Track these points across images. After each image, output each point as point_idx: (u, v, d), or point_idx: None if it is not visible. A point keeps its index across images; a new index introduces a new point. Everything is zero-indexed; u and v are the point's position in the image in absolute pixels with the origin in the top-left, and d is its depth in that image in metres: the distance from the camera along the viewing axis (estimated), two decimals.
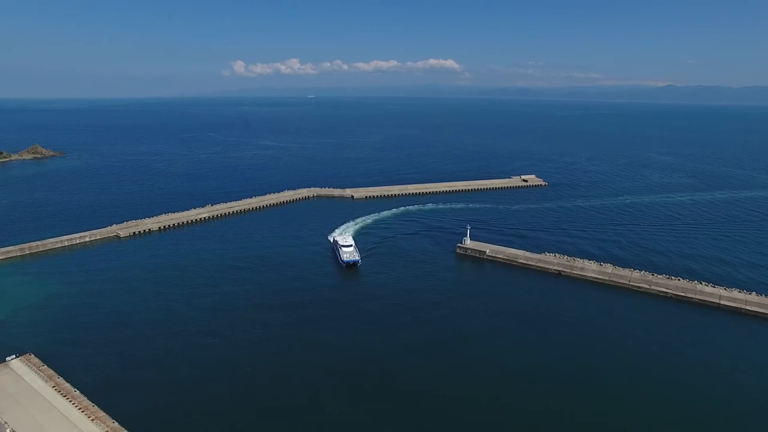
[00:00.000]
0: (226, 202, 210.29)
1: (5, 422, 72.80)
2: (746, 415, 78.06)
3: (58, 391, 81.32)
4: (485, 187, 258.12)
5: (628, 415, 77.03)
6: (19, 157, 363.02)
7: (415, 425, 74.96)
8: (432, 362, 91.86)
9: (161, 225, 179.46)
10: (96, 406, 77.44)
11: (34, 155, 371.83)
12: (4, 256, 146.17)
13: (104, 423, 73.73)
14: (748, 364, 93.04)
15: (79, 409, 76.99)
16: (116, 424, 73.59)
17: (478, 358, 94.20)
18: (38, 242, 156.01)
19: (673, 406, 79.87)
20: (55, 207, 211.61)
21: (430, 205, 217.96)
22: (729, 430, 74.72)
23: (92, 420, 74.39)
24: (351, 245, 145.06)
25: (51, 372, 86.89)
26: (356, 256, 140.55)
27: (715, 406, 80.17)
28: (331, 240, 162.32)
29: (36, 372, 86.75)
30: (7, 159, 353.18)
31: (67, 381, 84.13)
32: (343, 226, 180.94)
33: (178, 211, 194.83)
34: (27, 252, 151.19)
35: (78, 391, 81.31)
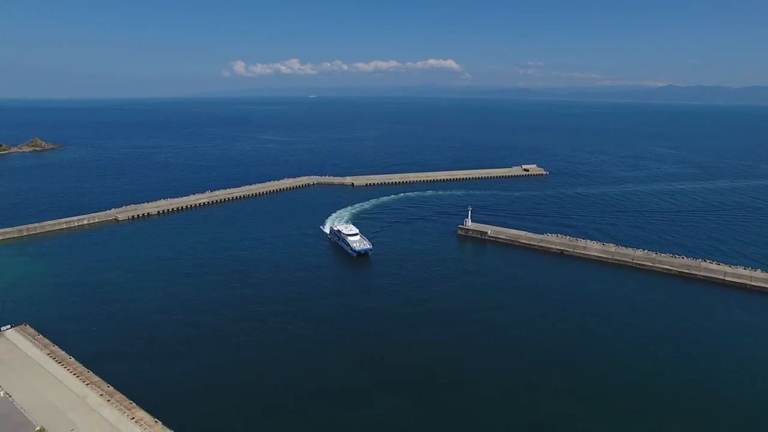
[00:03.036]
0: (225, 189, 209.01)
1: None
2: (756, 388, 76.60)
3: (53, 358, 79.95)
4: (486, 176, 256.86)
5: (635, 389, 75.34)
6: (19, 150, 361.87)
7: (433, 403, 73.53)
8: (452, 354, 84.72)
9: (160, 209, 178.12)
10: (91, 372, 76.15)
11: (34, 148, 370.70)
12: (1, 237, 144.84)
13: (99, 387, 72.41)
14: (754, 336, 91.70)
15: (74, 374, 75.64)
16: (111, 387, 72.26)
17: (494, 344, 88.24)
18: (36, 224, 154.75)
19: (681, 378, 78.47)
20: (54, 194, 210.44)
21: (430, 192, 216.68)
22: (737, 402, 73.11)
23: (87, 384, 73.04)
24: (357, 233, 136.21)
25: (46, 341, 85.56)
26: (367, 244, 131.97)
27: (723, 379, 78.57)
28: (328, 230, 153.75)
29: (31, 341, 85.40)
30: (6, 151, 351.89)
31: (62, 349, 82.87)
32: (339, 212, 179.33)
33: (178, 197, 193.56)
34: (24, 234, 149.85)
35: (73, 358, 80.00)
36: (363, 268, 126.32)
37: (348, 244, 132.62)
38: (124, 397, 70.12)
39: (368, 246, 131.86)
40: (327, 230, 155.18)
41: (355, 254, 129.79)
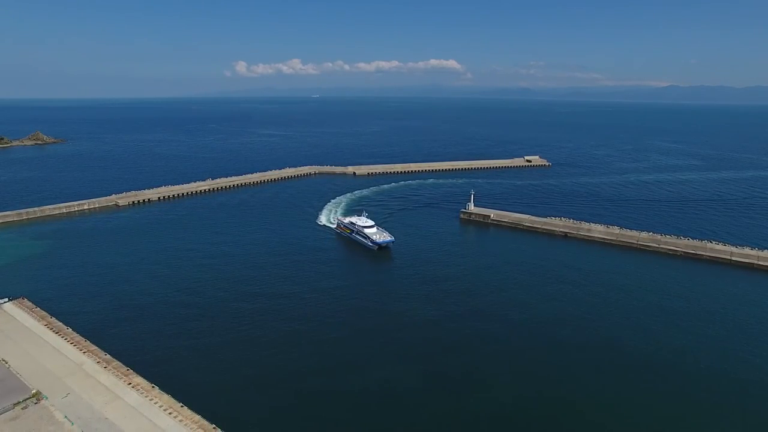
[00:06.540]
0: (227, 177, 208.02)
1: None
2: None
3: (50, 329, 78.91)
4: (488, 166, 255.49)
5: (641, 368, 73.78)
6: (20, 143, 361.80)
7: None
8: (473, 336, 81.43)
9: (161, 195, 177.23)
10: (88, 341, 75.07)
11: (35, 141, 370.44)
12: (1, 221, 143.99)
13: (96, 355, 71.31)
14: (760, 312, 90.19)
15: (71, 343, 74.59)
16: (108, 356, 71.18)
17: (501, 328, 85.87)
18: (36, 208, 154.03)
19: (694, 356, 77.09)
20: (55, 182, 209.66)
21: (431, 181, 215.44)
22: (744, 381, 71.63)
23: (84, 352, 71.96)
24: (373, 224, 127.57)
25: (43, 313, 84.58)
26: (387, 236, 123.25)
27: (731, 357, 77.06)
28: (325, 220, 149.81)
29: (29, 313, 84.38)
30: (7, 145, 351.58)
31: (59, 321, 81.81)
32: (339, 198, 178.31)
33: (179, 184, 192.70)
34: (24, 217, 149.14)
35: (70, 329, 78.96)
36: (382, 261, 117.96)
37: (366, 237, 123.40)
38: (120, 364, 69.04)
39: (389, 238, 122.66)
40: (323, 220, 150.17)
41: (375, 247, 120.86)
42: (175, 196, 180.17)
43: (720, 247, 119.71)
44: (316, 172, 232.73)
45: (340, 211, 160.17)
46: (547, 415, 61.04)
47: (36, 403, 59.98)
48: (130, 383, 64.76)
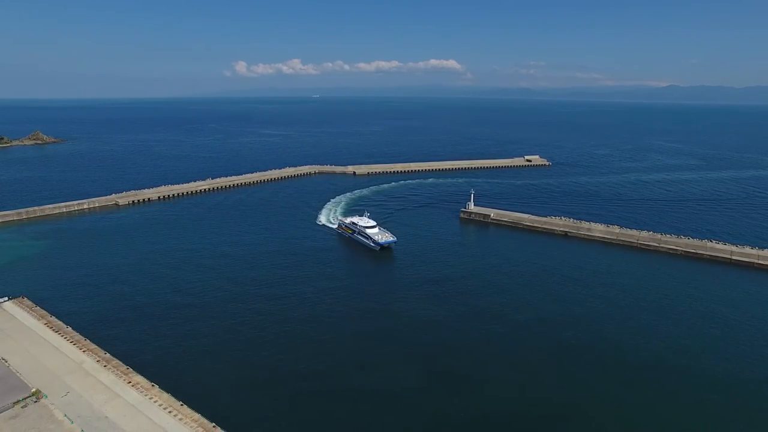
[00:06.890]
0: (227, 176, 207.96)
1: None
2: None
3: (50, 327, 78.97)
4: (487, 165, 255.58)
5: (643, 367, 73.73)
6: (20, 143, 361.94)
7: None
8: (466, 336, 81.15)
9: (161, 195, 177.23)
10: (88, 340, 75.06)
11: (35, 141, 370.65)
12: (1, 220, 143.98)
13: (95, 354, 71.33)
14: (761, 311, 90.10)
15: (71, 342, 74.63)
16: (108, 354, 71.21)
17: (503, 327, 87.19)
18: (35, 208, 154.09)
19: (700, 358, 76.96)
20: (55, 182, 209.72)
21: (431, 180, 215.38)
22: (747, 378, 71.58)
23: (84, 351, 71.99)
24: (375, 225, 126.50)
25: (43, 312, 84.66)
26: (390, 237, 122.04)
27: (733, 356, 76.99)
28: (324, 220, 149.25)
29: (29, 312, 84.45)
30: (7, 144, 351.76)
31: (59, 320, 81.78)
32: (338, 197, 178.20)
33: (178, 183, 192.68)
34: (24, 217, 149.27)
35: (70, 328, 78.96)
36: (383, 261, 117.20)
37: (369, 237, 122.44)
38: (120, 363, 69.05)
39: (392, 238, 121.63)
40: (323, 220, 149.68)
41: (377, 247, 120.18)
42: (175, 195, 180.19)
43: (720, 246, 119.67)
44: (316, 171, 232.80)
45: (339, 210, 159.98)
46: (548, 415, 61.03)
47: (36, 402, 59.96)
48: (129, 382, 64.73)
